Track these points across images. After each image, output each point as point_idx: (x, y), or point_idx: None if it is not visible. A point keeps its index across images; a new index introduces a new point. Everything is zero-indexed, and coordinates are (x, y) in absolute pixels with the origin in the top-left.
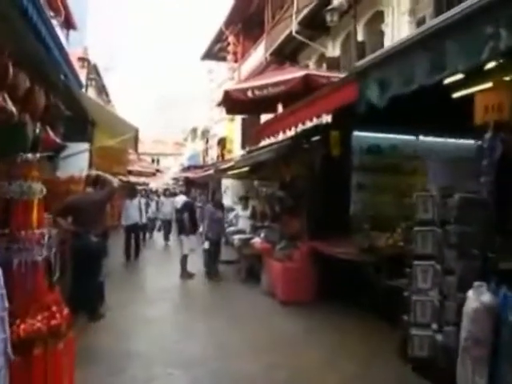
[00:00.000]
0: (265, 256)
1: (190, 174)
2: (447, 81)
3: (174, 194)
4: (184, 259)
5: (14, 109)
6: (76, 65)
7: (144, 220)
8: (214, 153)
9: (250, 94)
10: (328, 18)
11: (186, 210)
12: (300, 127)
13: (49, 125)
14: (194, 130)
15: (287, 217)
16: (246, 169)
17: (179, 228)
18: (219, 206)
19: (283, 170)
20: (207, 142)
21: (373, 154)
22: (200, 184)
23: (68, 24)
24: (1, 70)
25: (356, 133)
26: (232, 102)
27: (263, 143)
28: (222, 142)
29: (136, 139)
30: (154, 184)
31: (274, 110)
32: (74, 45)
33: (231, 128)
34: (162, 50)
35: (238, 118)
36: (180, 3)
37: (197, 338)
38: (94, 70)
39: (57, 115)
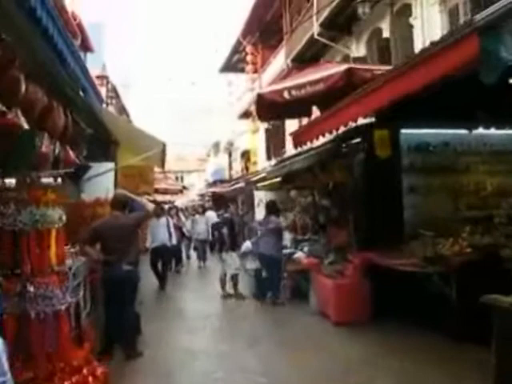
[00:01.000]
0: (312, 272)
1: (217, 189)
2: None
3: (205, 210)
4: (224, 278)
5: (26, 125)
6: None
7: (174, 241)
8: (238, 166)
9: (286, 94)
10: (360, 10)
11: (225, 225)
12: (342, 130)
13: (69, 144)
14: (217, 145)
15: (333, 227)
16: (278, 179)
17: (220, 245)
18: (274, 210)
19: (324, 177)
20: (230, 155)
21: (422, 152)
22: (228, 199)
23: (85, 47)
24: (12, 83)
25: (403, 130)
26: (265, 107)
27: (296, 151)
28: (245, 155)
29: (163, 154)
30: (180, 201)
31: (308, 113)
32: (91, 67)
33: (254, 140)
34: (179, 66)
35: (261, 130)
36: (195, 14)
37: (248, 371)
38: (113, 90)
39: (77, 133)
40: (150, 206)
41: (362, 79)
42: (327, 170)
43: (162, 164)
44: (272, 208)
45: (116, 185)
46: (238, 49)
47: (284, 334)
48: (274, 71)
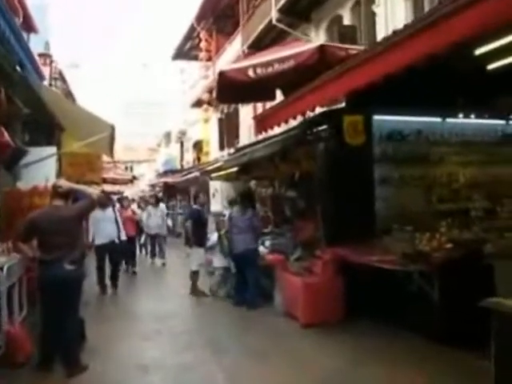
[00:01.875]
0: (277, 269)
1: (168, 179)
2: (480, 50)
3: (159, 201)
4: (195, 276)
5: None
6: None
7: (123, 236)
8: (190, 157)
9: (251, 73)
10: None
11: (190, 219)
12: (310, 115)
13: (3, 125)
14: (168, 135)
15: (300, 220)
16: (235, 169)
17: (185, 239)
18: (251, 202)
19: (289, 166)
20: (182, 145)
21: (394, 141)
22: (180, 189)
23: (28, 27)
24: None
25: (375, 117)
26: (226, 87)
27: (255, 139)
28: (198, 145)
29: (112, 139)
30: (129, 192)
31: (271, 97)
32: (34, 48)
33: (207, 130)
34: (129, 52)
35: (214, 119)
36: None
37: None
38: (58, 73)
39: (13, 113)
40: (95, 193)
41: (335, 58)
42: (292, 158)
43: (111, 150)
44: (249, 200)
45: (60, 174)
46: (191, 35)
47: (249, 340)
48: (230, 58)
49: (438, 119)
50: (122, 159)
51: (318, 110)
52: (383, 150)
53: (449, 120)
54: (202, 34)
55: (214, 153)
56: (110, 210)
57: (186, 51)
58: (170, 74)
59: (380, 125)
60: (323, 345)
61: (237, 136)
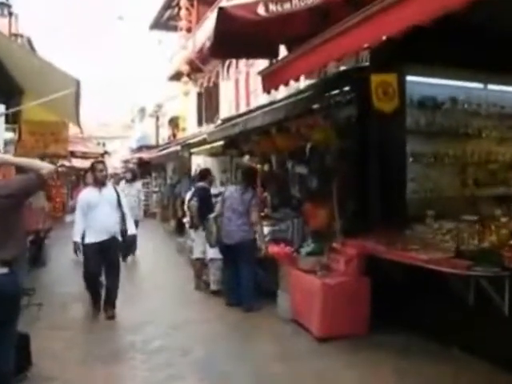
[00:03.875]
0: (284, 265)
1: (143, 155)
2: None
3: (135, 177)
4: (198, 265)
5: None
6: None
7: (134, 229)
8: (165, 133)
9: (261, 10)
10: None
11: (197, 197)
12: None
13: None
14: (143, 110)
15: (311, 204)
16: (221, 143)
17: (190, 222)
18: (253, 180)
19: (297, 137)
20: (158, 119)
21: (427, 110)
22: (155, 166)
23: None
24: None
25: (409, 77)
26: (225, 33)
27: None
28: (174, 121)
29: (78, 98)
30: None
31: (274, 53)
32: None
33: (185, 105)
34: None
35: (193, 94)
36: None
37: None
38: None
39: None
40: (46, 168)
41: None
42: (301, 127)
43: (77, 114)
44: (252, 177)
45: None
46: (170, 3)
47: (252, 364)
48: (211, 28)
49: (478, 85)
50: (94, 135)
51: (334, 65)
52: (415, 120)
53: (490, 87)
54: (183, 3)
55: (192, 129)
56: (109, 190)
57: (164, 21)
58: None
59: (411, 89)
60: (352, 368)
61: (217, 112)
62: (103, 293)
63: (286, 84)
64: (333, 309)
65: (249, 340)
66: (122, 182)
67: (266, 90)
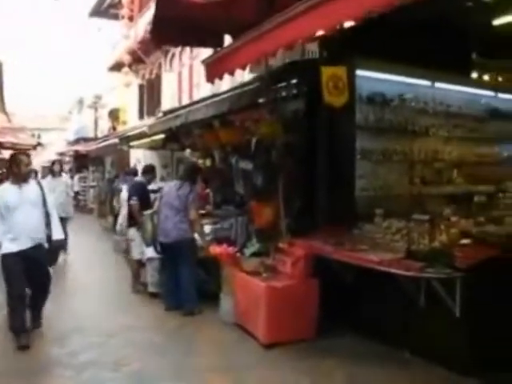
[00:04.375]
0: (227, 266)
1: (80, 148)
2: None
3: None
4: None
5: None
6: None
7: (60, 233)
8: (105, 126)
9: None
10: None
11: (136, 195)
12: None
13: None
14: (81, 101)
15: (256, 201)
16: (162, 136)
17: (128, 221)
18: (196, 176)
19: (241, 131)
20: (97, 110)
21: (376, 106)
22: (93, 159)
23: None
24: None
25: (359, 72)
26: (166, 18)
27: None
28: (114, 113)
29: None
30: (35, 161)
31: (219, 42)
32: None
33: (125, 97)
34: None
35: (135, 85)
36: None
37: None
38: None
39: None
40: None
41: None
42: (247, 121)
43: (1, 99)
44: (191, 172)
45: None
46: None
47: (195, 373)
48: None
49: (426, 83)
50: (29, 126)
51: (282, 55)
52: (364, 116)
53: (438, 85)
54: None
55: (132, 122)
56: (32, 187)
57: (105, 8)
58: (86, 35)
59: (360, 84)
60: (302, 376)
61: (159, 104)
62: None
63: (231, 73)
64: (279, 313)
65: (190, 350)
66: (49, 177)
67: (210, 79)
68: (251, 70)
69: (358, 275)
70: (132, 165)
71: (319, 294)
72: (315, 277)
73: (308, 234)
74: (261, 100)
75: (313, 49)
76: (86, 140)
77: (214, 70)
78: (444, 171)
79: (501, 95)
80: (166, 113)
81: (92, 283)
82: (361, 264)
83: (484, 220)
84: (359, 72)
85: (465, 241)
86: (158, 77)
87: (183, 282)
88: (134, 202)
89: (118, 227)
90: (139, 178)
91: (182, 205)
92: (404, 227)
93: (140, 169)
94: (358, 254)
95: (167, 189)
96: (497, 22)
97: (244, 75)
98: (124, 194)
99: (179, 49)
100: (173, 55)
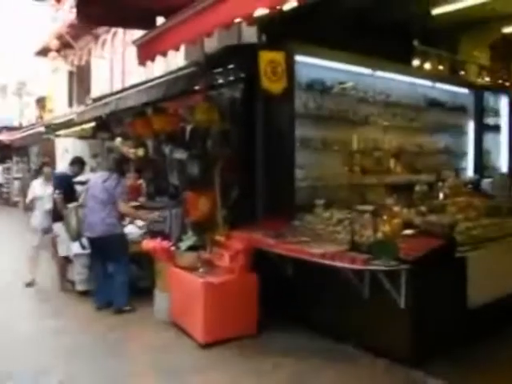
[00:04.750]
0: (161, 261)
1: (3, 137)
2: None
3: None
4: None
5: None
6: None
7: None
8: (31, 115)
9: None
10: None
11: (60, 189)
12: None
13: None
14: (4, 88)
15: (191, 192)
16: (92, 124)
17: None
18: (123, 166)
19: (175, 118)
20: (21, 98)
21: (316, 93)
22: (17, 149)
23: None
24: None
25: (298, 57)
26: None
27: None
28: (41, 102)
29: None
30: None
31: (149, 24)
32: None
33: (53, 84)
34: None
35: (64, 72)
36: None
37: None
38: None
39: None
40: None
41: None
42: (182, 108)
43: None
44: (122, 163)
45: None
46: None
47: (126, 381)
48: None
49: (367, 71)
50: None
51: (219, 40)
52: (303, 104)
53: (378, 74)
54: None
55: (61, 110)
56: None
57: None
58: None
59: (299, 70)
60: (245, 376)
61: (89, 92)
62: None
63: (164, 54)
64: (217, 310)
65: (121, 353)
66: None
67: (142, 61)
68: (187, 56)
69: (301, 268)
70: (59, 155)
71: (259, 289)
72: (255, 271)
73: (247, 225)
74: (196, 86)
75: (251, 33)
76: (9, 129)
77: (145, 52)
78: (384, 160)
79: (439, 85)
80: (95, 100)
81: (14, 283)
82: (303, 257)
83: (426, 210)
84: (299, 58)
85: (408, 231)
86: (88, 63)
87: (114, 278)
88: (58, 195)
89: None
90: (65, 169)
91: (110, 198)
92: (345, 218)
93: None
94: (300, 246)
95: (93, 181)
96: (435, 11)
97: (178, 61)
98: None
99: (111, 34)
100: (104, 41)
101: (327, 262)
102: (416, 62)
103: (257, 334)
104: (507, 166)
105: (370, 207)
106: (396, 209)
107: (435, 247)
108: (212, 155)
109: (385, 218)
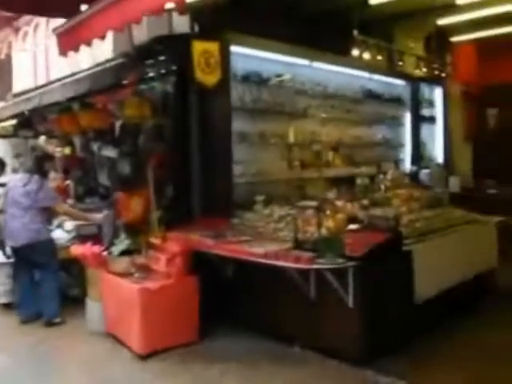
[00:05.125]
0: (92, 267)
1: None
2: None
3: None
4: None
5: None
6: None
7: None
8: None
9: None
10: None
11: None
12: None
13: None
14: None
15: (123, 192)
16: (12, 122)
17: None
18: (41, 166)
19: (103, 114)
20: None
21: (252, 85)
22: None
23: None
24: None
25: (233, 48)
26: None
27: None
28: None
29: None
30: None
31: (72, 11)
32: None
33: None
34: None
35: None
36: None
37: None
38: None
39: None
40: None
41: None
42: (111, 102)
43: None
44: (43, 164)
45: None
46: None
47: None
48: None
49: (304, 62)
50: None
51: (148, 30)
52: (240, 96)
53: (316, 65)
54: None
55: None
56: None
57: None
58: None
59: (235, 61)
60: None
61: (10, 88)
62: None
63: (89, 44)
64: (155, 318)
65: (50, 370)
66: None
67: (63, 51)
68: (115, 47)
69: (243, 269)
70: None
71: (200, 293)
72: (194, 274)
73: (184, 225)
74: (125, 79)
75: (182, 23)
76: None
77: (66, 41)
78: (323, 153)
79: (376, 77)
80: (17, 95)
81: None
82: (244, 258)
83: (368, 203)
84: (234, 48)
85: (352, 226)
86: (9, 56)
87: (42, 287)
88: None
89: None
90: None
91: (32, 203)
92: (287, 214)
93: None
94: (241, 246)
95: (12, 184)
96: (372, 1)
97: (106, 53)
98: None
99: (32, 25)
100: (25, 33)
101: (270, 261)
102: (355, 52)
103: (199, 340)
104: (443, 157)
105: (312, 203)
106: (339, 203)
107: (381, 242)
108: (144, 152)
109: (328, 213)
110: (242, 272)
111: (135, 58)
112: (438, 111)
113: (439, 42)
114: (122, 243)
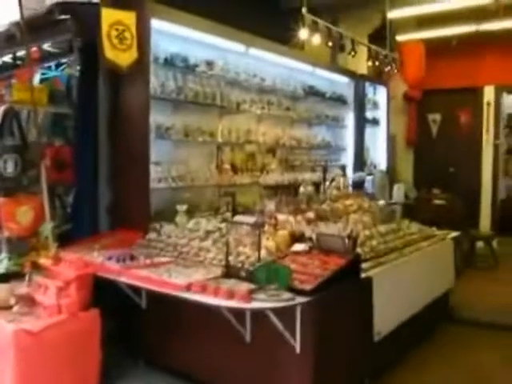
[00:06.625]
0: None
1: None
2: None
3: None
4: None
5: None
6: None
7: None
8: None
9: None
10: None
11: None
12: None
13: None
14: None
15: (7, 200)
16: None
17: None
18: None
19: None
20: None
21: (176, 71)
22: None
23: None
24: None
25: (154, 22)
26: None
27: None
28: None
29: None
30: None
31: None
32: None
33: None
34: None
35: None
36: None
37: None
38: None
39: None
40: None
41: None
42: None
43: None
44: None
45: None
46: None
47: None
48: None
49: (239, 48)
50: None
51: None
52: (161, 83)
53: (253, 52)
54: None
55: None
56: None
57: None
58: None
59: (156, 40)
60: None
61: None
62: None
63: None
64: (37, 371)
65: None
66: None
67: None
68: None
69: (159, 298)
70: None
71: (103, 329)
72: (96, 306)
73: (86, 242)
74: (14, 55)
75: None
76: None
77: None
78: (258, 156)
79: (319, 72)
80: None
81: None
82: (161, 291)
83: (314, 216)
84: (155, 23)
85: (299, 246)
86: None
87: None
88: None
89: None
90: None
91: None
92: (216, 229)
93: None
94: (157, 274)
95: None
96: None
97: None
98: None
99: None
100: None
101: (194, 298)
102: (304, 34)
103: None
104: (386, 163)
105: (248, 218)
106: (280, 217)
107: (338, 269)
108: (36, 148)
109: (267, 229)
110: (159, 302)
111: (27, 30)
112: (382, 114)
113: (385, 39)
114: (1, 264)
